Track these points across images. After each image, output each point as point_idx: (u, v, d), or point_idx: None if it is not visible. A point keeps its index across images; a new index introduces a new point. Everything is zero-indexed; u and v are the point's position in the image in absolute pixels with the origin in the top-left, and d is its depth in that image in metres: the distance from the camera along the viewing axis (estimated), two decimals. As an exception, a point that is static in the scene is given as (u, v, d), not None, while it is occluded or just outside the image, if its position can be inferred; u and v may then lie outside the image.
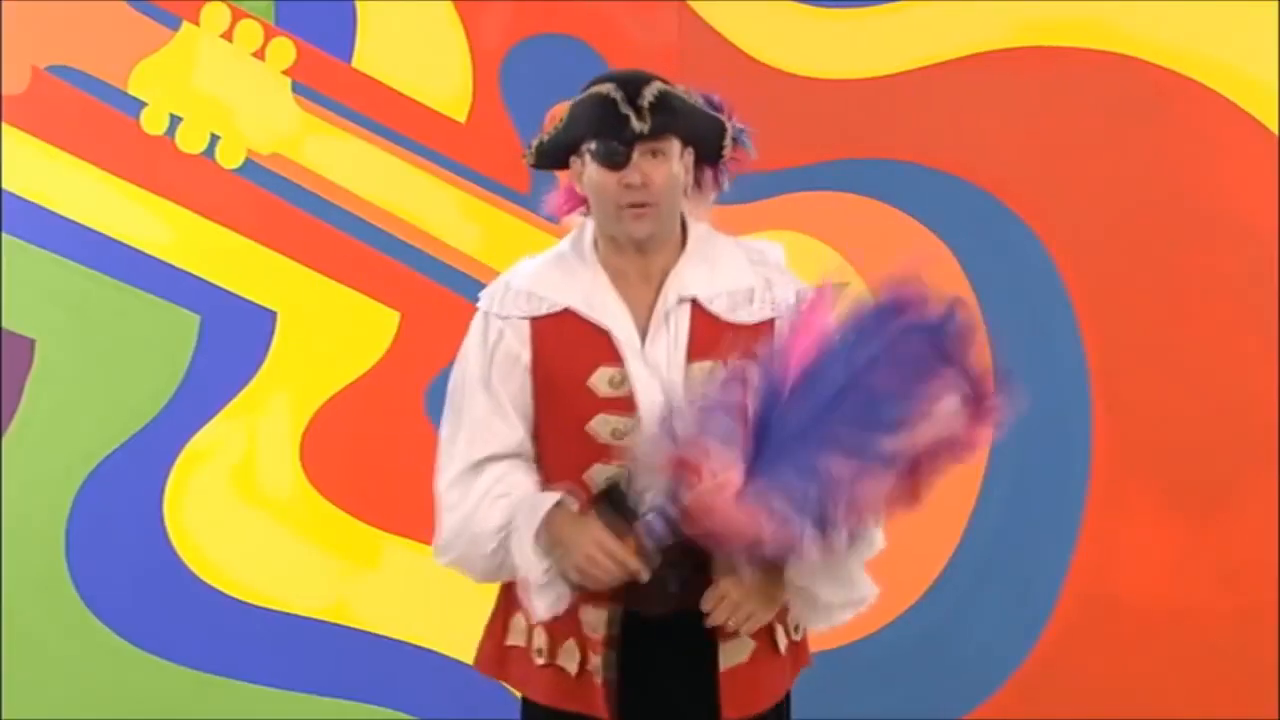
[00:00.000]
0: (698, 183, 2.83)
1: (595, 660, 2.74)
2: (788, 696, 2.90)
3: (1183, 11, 4.37)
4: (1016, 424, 4.29)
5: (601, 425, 2.70)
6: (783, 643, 2.82)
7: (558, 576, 2.68)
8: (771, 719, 2.83)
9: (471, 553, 2.76)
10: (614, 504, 2.66)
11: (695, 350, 2.71)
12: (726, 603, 2.69)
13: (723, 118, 2.81)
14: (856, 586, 2.76)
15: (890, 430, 2.54)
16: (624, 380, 2.70)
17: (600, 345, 2.72)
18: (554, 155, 2.80)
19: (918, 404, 2.56)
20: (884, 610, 4.39)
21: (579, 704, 2.77)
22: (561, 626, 2.77)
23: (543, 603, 2.69)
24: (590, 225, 2.81)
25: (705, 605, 2.69)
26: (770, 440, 2.55)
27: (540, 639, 2.80)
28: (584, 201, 2.82)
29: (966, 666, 4.42)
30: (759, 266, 2.80)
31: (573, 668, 2.76)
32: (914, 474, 2.57)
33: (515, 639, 2.85)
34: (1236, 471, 4.37)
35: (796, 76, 4.44)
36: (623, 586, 2.68)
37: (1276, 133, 4.34)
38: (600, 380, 2.72)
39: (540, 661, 2.80)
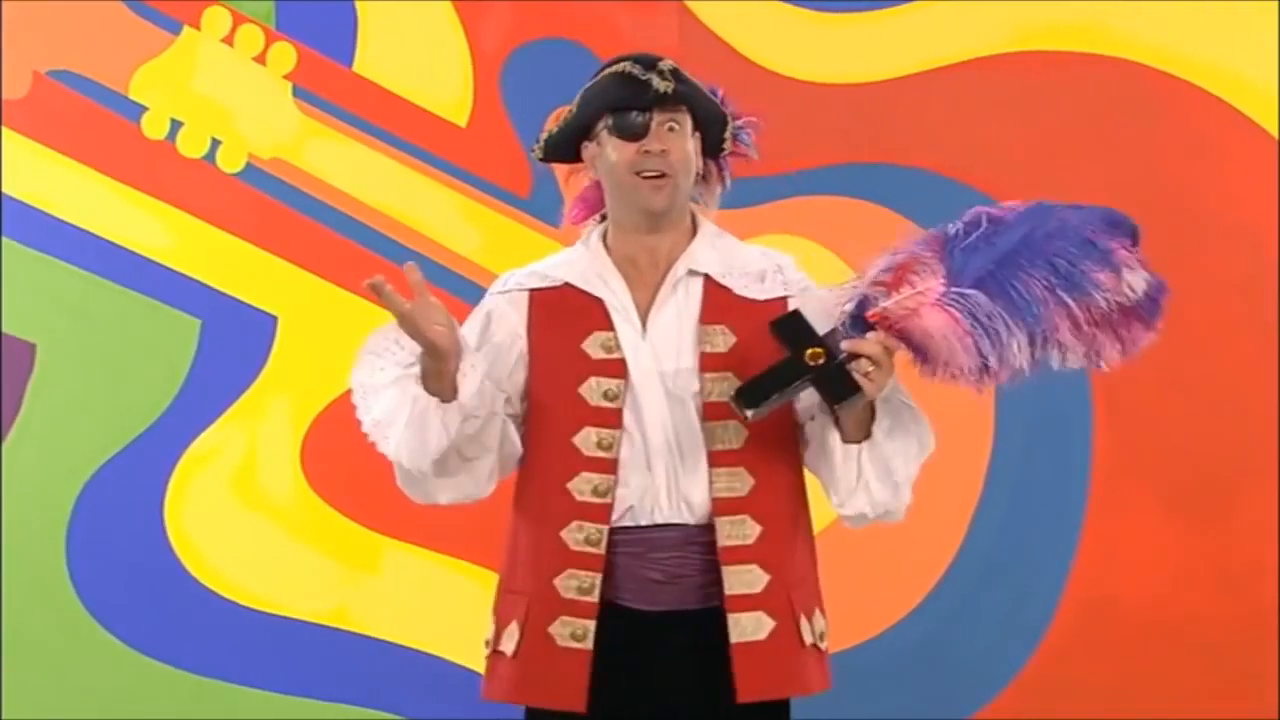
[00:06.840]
0: (703, 175, 2.85)
1: (564, 631, 2.71)
2: (786, 709, 2.83)
3: (1182, 15, 4.38)
4: (1017, 427, 4.37)
5: (594, 387, 2.73)
6: (808, 636, 2.75)
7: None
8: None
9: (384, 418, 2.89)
10: (794, 327, 2.66)
11: (708, 315, 2.74)
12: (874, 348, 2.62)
13: (725, 109, 2.84)
14: (904, 483, 2.71)
15: (1094, 261, 2.63)
16: (616, 345, 2.74)
17: (594, 312, 2.75)
18: (565, 144, 2.82)
19: (1108, 255, 2.65)
20: (886, 614, 4.42)
21: (531, 695, 2.76)
22: (508, 609, 2.78)
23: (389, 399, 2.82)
24: (600, 226, 2.83)
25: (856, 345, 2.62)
26: (968, 266, 2.62)
27: (489, 630, 2.82)
28: (596, 209, 2.85)
29: (968, 670, 4.42)
30: (769, 256, 2.83)
31: (510, 648, 2.75)
32: (1110, 327, 2.69)
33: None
34: (1236, 474, 4.38)
35: (797, 81, 4.45)
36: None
37: (1276, 136, 4.35)
38: (593, 344, 2.75)
39: (486, 652, 2.81)
